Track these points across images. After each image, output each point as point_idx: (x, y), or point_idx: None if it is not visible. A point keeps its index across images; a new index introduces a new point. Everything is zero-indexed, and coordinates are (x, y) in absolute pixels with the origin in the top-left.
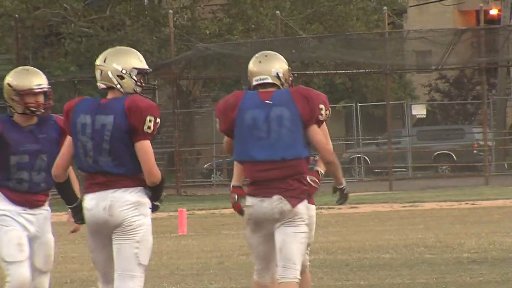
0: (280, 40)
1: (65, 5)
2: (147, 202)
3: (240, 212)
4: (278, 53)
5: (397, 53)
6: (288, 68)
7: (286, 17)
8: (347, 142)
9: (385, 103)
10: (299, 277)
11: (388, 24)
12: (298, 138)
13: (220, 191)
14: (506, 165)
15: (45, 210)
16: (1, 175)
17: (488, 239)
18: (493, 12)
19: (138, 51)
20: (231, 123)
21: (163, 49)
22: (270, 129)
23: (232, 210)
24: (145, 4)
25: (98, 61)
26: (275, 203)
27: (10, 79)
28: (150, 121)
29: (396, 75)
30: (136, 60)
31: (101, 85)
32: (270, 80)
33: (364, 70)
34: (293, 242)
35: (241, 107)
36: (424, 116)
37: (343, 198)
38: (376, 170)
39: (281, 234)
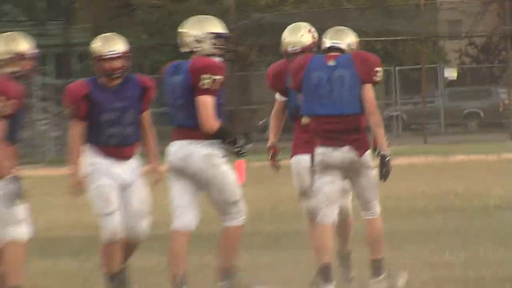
0: (327, 11)
1: None
2: (217, 153)
3: (276, 167)
4: (325, 22)
5: (431, 22)
6: (357, 41)
7: None
8: (386, 102)
9: (420, 66)
10: (379, 211)
11: None
12: (356, 96)
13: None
14: None
15: (134, 161)
16: (93, 132)
17: (511, 187)
18: None
19: None
20: (299, 81)
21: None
22: (332, 88)
23: (284, 162)
24: None
25: (180, 29)
26: (345, 153)
27: (92, 45)
28: (204, 78)
29: (430, 42)
30: (213, 26)
31: (184, 49)
32: (342, 46)
33: (401, 38)
34: (367, 187)
35: (309, 68)
36: (455, 79)
37: (384, 170)
38: (412, 127)
39: (356, 185)
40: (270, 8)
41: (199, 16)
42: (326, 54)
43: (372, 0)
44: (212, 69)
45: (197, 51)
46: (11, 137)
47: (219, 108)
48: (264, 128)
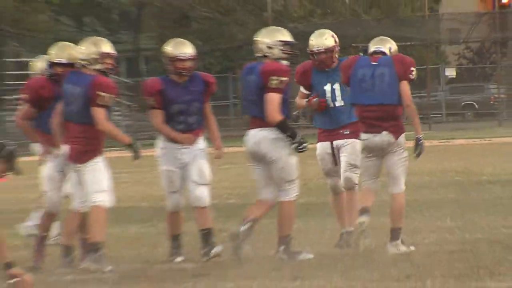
0: (348, 21)
1: None
2: (283, 138)
3: (312, 105)
4: (347, 30)
5: (434, 30)
6: (396, 47)
7: (353, 3)
8: None
9: (425, 67)
10: (404, 188)
11: (428, 8)
12: (393, 90)
13: (306, 132)
14: None
15: (198, 144)
16: (165, 119)
17: (500, 166)
18: (504, 0)
19: (244, 30)
20: (348, 77)
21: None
22: (374, 83)
23: (311, 146)
24: None
25: (256, 37)
26: (384, 137)
27: (165, 48)
28: (273, 79)
29: (433, 47)
30: (281, 35)
31: (258, 54)
32: (383, 50)
33: (410, 43)
34: (398, 165)
35: (356, 66)
36: (454, 77)
37: (418, 149)
38: (420, 116)
39: (389, 161)
40: (302, 19)
41: (271, 27)
42: (371, 56)
43: (386, 12)
44: (279, 72)
45: (268, 56)
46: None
47: (285, 104)
48: (297, 119)
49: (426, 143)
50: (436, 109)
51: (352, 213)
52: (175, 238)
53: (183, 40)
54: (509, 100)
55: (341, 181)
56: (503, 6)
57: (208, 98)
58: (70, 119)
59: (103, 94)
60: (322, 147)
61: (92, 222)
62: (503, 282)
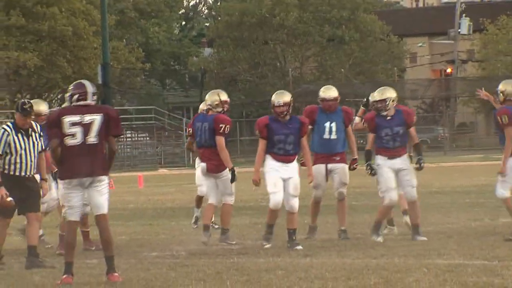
0: (343, 84)
1: (238, 66)
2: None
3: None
4: (342, 89)
5: (401, 90)
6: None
7: (346, 72)
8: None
9: None
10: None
11: (397, 75)
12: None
13: None
14: (455, 145)
15: (293, 163)
16: (269, 146)
17: (444, 182)
18: (449, 70)
19: (273, 89)
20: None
21: (286, 88)
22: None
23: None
24: (277, 65)
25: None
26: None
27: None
28: None
29: (401, 101)
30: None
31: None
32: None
33: None
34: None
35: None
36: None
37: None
38: None
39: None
40: (311, 82)
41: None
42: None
43: (368, 77)
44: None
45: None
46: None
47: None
48: None
49: None
50: None
51: (343, 216)
52: (270, 227)
53: (285, 92)
54: (451, 137)
55: (335, 194)
56: (447, 74)
57: (303, 133)
58: (203, 145)
59: (222, 126)
60: (317, 168)
61: (224, 213)
62: (447, 260)
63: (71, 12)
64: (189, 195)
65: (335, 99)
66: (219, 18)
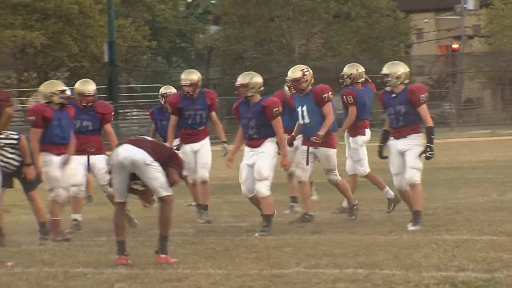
0: (349, 60)
1: (244, 44)
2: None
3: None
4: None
5: (407, 66)
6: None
7: (352, 48)
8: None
9: None
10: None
11: (403, 51)
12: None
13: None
14: (461, 121)
15: (262, 147)
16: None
17: (452, 157)
18: (455, 46)
19: (279, 66)
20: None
21: (292, 65)
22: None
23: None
24: (283, 42)
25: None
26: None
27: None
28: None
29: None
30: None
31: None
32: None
33: None
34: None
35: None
36: None
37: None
38: None
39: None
40: (318, 59)
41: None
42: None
43: (375, 54)
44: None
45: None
46: None
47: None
48: None
49: None
50: None
51: (345, 194)
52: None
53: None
54: (458, 113)
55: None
56: (453, 50)
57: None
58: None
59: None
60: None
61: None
62: (455, 235)
63: None
64: None
65: (294, 80)
66: None
